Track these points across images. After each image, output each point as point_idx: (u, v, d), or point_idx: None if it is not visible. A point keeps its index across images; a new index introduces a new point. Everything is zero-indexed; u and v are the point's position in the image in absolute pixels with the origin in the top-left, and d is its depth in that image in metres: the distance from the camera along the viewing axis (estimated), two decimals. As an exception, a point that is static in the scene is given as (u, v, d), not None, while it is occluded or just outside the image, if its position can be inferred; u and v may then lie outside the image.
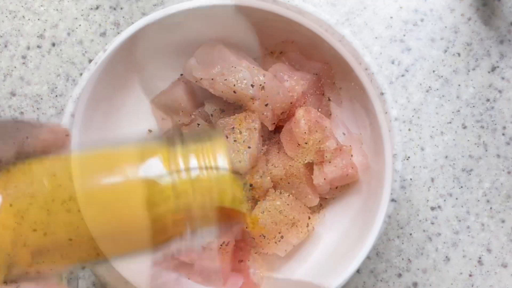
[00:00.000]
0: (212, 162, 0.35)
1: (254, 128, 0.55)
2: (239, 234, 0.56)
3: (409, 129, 0.63)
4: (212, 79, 0.56)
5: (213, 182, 0.35)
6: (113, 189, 0.34)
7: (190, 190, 0.35)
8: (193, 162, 0.35)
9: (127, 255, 0.37)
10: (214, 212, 0.35)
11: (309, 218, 0.57)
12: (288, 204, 0.56)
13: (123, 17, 0.65)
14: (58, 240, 0.34)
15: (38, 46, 0.65)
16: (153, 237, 0.35)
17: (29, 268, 0.34)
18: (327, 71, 0.59)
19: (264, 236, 0.56)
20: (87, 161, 0.36)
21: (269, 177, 0.56)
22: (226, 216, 0.36)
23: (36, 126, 0.37)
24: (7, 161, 0.35)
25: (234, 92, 0.55)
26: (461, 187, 0.63)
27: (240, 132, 0.55)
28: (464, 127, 0.63)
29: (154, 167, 0.35)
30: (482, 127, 0.63)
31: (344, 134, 0.60)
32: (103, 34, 0.65)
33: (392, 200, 0.61)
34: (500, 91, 0.63)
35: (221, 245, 0.56)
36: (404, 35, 0.64)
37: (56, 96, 0.64)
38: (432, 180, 0.63)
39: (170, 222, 0.35)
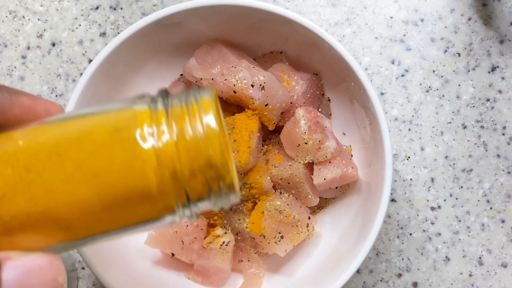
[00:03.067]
0: (198, 120, 0.32)
1: (254, 128, 0.56)
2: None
3: (409, 129, 0.63)
4: (212, 79, 0.56)
5: (200, 142, 0.32)
6: (93, 156, 0.32)
7: (174, 153, 0.31)
8: (178, 122, 0.32)
9: (111, 234, 0.33)
10: (203, 177, 0.32)
11: (309, 218, 0.57)
12: (288, 204, 0.56)
13: (123, 17, 0.65)
14: (37, 211, 0.31)
15: (38, 46, 0.65)
16: (139, 210, 0.32)
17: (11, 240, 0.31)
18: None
19: (264, 236, 0.56)
20: (68, 125, 0.33)
21: (269, 177, 0.57)
22: (215, 181, 0.32)
23: (14, 92, 0.34)
24: None
25: (234, 92, 0.55)
26: (461, 187, 0.63)
27: (240, 132, 0.55)
28: (464, 127, 0.63)
29: (135, 129, 0.32)
30: (482, 127, 0.63)
31: (344, 134, 0.60)
32: (103, 34, 0.65)
33: (392, 200, 0.63)
34: (500, 91, 0.63)
35: (221, 245, 0.57)
36: (404, 35, 0.64)
37: (56, 96, 0.65)
38: (432, 180, 0.63)
39: (156, 192, 0.32)
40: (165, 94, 0.34)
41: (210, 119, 0.32)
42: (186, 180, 0.32)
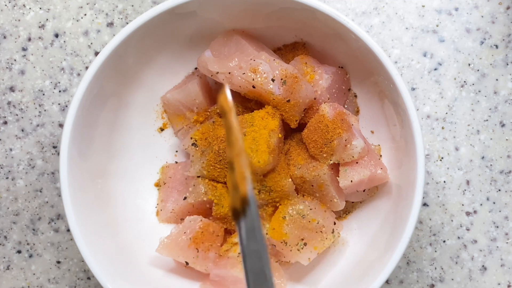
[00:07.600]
0: None
1: (275, 126, 0.56)
2: None
3: (443, 127, 0.63)
4: (229, 73, 0.56)
5: None
6: None
7: None
8: None
9: None
10: None
11: (335, 223, 0.57)
12: (311, 209, 0.56)
13: (132, 5, 0.64)
14: None
15: (40, 38, 0.64)
16: None
17: None
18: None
19: (286, 243, 0.56)
20: None
21: (290, 179, 0.56)
22: None
23: None
24: None
25: (253, 87, 0.55)
26: (499, 190, 0.63)
27: (259, 130, 0.55)
28: (502, 125, 0.63)
29: None
30: (522, 125, 0.63)
31: (372, 132, 0.60)
32: (110, 25, 0.64)
33: (424, 204, 0.63)
34: (541, 86, 0.63)
35: (239, 253, 0.56)
36: (437, 26, 0.63)
37: (60, 92, 0.64)
38: (468, 182, 0.63)
39: None
40: None
41: None
42: None
